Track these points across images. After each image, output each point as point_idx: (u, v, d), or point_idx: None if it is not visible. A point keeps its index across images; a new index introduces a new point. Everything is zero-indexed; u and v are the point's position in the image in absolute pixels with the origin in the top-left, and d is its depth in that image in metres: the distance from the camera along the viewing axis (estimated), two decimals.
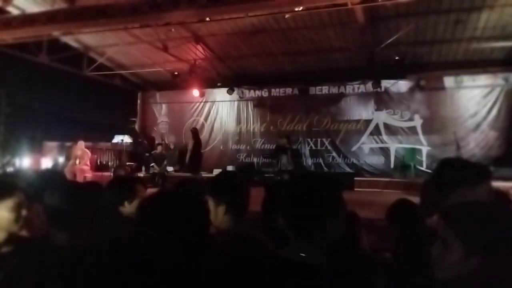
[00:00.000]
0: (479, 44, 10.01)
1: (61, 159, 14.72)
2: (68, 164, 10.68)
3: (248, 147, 13.26)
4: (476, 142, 10.93)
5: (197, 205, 1.39)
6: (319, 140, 12.53)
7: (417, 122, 11.56)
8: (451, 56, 10.82)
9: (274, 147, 12.24)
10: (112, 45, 11.36)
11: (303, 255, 1.27)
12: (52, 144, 15.53)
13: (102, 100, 16.58)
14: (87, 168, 10.28)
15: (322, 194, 1.31)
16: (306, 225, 1.29)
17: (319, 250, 1.28)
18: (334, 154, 12.24)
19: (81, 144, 10.44)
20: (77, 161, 10.13)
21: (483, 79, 11.03)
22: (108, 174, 11.06)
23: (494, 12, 8.57)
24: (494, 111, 10.90)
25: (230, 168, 12.16)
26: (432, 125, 11.32)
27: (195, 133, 11.33)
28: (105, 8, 6.62)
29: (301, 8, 7.61)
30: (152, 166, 10.75)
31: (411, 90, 11.52)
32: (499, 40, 9.69)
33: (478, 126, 10.99)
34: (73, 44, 11.21)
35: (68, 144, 13.31)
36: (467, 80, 11.13)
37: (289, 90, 12.91)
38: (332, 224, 1.29)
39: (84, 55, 12.09)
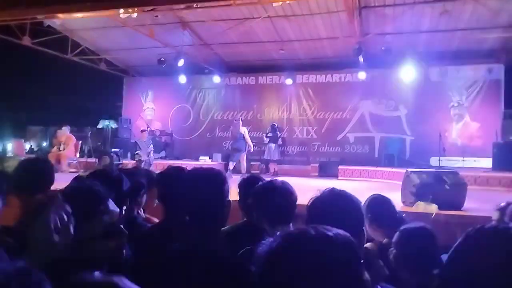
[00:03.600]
0: (464, 36, 10.14)
1: (44, 144, 14.57)
2: (52, 149, 10.57)
3: None
4: (458, 133, 11.14)
5: None
6: (305, 128, 12.60)
7: (402, 112, 11.71)
8: (436, 47, 10.94)
9: (260, 135, 12.28)
10: (97, 29, 11.19)
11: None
12: (35, 129, 15.33)
13: (87, 85, 16.37)
14: (71, 153, 10.18)
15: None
16: None
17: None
18: (319, 142, 12.34)
19: (66, 129, 10.32)
20: (61, 147, 10.01)
21: (467, 71, 11.20)
22: (93, 160, 11.00)
23: (479, 3, 8.67)
24: (477, 103, 11.10)
25: (217, 155, 12.19)
26: (416, 116, 11.48)
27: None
28: None
29: None
30: (137, 153, 10.67)
31: (397, 80, 11.64)
32: (484, 32, 9.83)
33: (460, 117, 11.19)
34: (57, 27, 11.00)
35: (52, 128, 13.15)
36: (451, 71, 11.29)
37: (276, 78, 12.92)
38: None
39: (68, 38, 11.88)
